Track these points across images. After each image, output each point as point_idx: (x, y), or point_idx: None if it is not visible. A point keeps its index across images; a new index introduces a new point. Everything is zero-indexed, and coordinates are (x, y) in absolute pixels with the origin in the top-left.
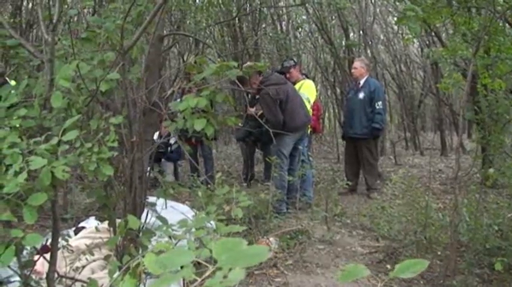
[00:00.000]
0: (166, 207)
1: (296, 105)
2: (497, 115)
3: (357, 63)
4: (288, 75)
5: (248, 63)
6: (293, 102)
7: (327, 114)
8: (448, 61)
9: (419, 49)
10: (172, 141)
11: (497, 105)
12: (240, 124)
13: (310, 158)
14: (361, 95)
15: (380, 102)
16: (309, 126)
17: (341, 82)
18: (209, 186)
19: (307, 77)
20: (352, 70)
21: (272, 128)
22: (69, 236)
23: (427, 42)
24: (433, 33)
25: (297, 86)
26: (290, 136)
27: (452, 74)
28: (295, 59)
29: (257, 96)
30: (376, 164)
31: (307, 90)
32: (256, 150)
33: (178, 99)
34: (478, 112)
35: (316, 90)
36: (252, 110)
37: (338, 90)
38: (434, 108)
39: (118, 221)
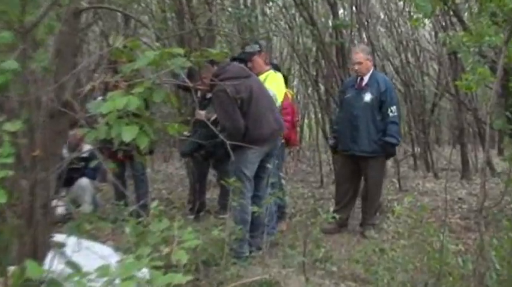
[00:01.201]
0: (80, 249)
1: (263, 108)
2: None
3: (359, 55)
4: (249, 65)
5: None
6: (259, 103)
7: (306, 120)
8: (472, 50)
9: (433, 33)
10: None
11: None
12: (186, 133)
13: (283, 181)
14: (367, 97)
15: (394, 108)
16: (281, 136)
17: (326, 77)
18: (141, 219)
19: (278, 69)
20: (355, 66)
21: (230, 139)
22: None
23: (443, 25)
24: (451, 13)
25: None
26: (255, 150)
27: (477, 68)
28: (261, 44)
29: (209, 95)
30: (381, 191)
31: (273, 86)
32: (209, 169)
33: (100, 98)
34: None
35: (292, 88)
36: (202, 114)
37: (322, 88)
38: (452, 113)
39: (11, 268)
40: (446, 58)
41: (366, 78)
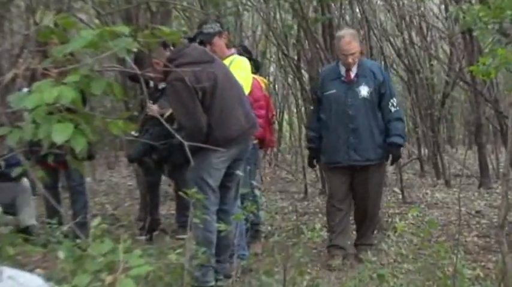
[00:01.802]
0: (0, 279)
1: (231, 101)
2: None
3: (354, 45)
4: (208, 49)
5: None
6: (226, 94)
7: (285, 115)
8: (490, 27)
9: (443, 7)
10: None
11: None
12: (134, 133)
13: (257, 192)
14: (364, 91)
15: (396, 100)
16: (254, 136)
17: (310, 61)
18: (79, 241)
19: (248, 52)
20: (349, 59)
21: (189, 140)
22: None
23: None
24: None
25: None
26: (220, 154)
27: (497, 50)
28: (222, 23)
29: (163, 85)
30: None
31: (239, 74)
32: (163, 178)
33: (26, 90)
34: None
35: (267, 76)
36: (154, 109)
37: (306, 76)
38: (467, 106)
39: None
40: (459, 37)
41: (355, 68)
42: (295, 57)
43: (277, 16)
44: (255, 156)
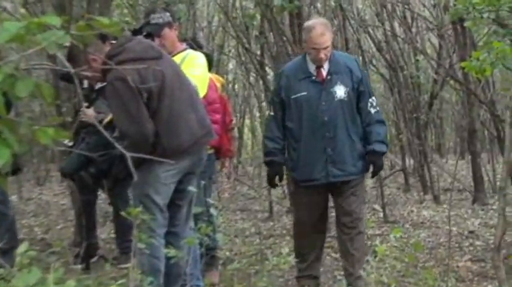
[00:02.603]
0: None
1: (182, 104)
2: None
3: (327, 37)
4: (157, 42)
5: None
6: (176, 97)
7: (247, 120)
8: (485, 17)
9: None
10: None
11: None
12: (67, 143)
13: (213, 211)
14: (340, 92)
15: (375, 99)
16: (209, 145)
17: (276, 57)
18: (2, 271)
19: (200, 47)
20: (321, 54)
21: (132, 151)
22: None
23: None
24: None
25: None
26: (170, 167)
27: (493, 43)
28: (173, 12)
29: (99, 85)
30: None
31: (192, 72)
32: (102, 195)
33: None
34: None
35: (225, 74)
36: (90, 113)
37: (271, 74)
38: (459, 109)
39: None
40: (449, 29)
41: (326, 64)
42: (258, 52)
43: (237, 4)
44: (210, 169)
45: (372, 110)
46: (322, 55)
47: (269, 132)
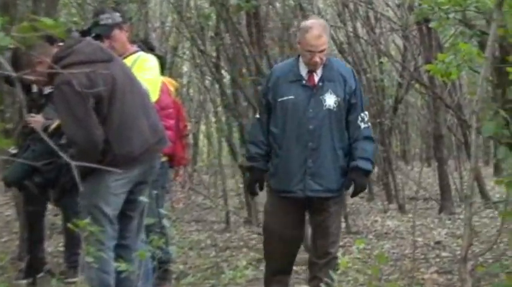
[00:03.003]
0: None
1: (134, 109)
2: None
3: (324, 39)
4: (107, 44)
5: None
6: (127, 102)
7: (202, 126)
8: (451, 17)
9: None
10: None
11: None
12: (11, 150)
13: (166, 222)
14: (330, 100)
15: (366, 114)
16: (162, 153)
17: (232, 60)
18: None
19: (151, 49)
20: (316, 57)
21: (81, 159)
22: None
23: None
24: None
25: None
26: (120, 176)
27: (459, 45)
28: (123, 12)
29: (47, 89)
30: None
31: (144, 76)
32: (48, 206)
33: None
34: (510, 122)
35: (179, 78)
36: (36, 119)
37: (227, 77)
38: (425, 114)
39: None
40: (414, 30)
41: (320, 69)
42: (214, 54)
43: (191, 3)
44: (163, 177)
45: (362, 125)
46: (317, 59)
47: (253, 136)
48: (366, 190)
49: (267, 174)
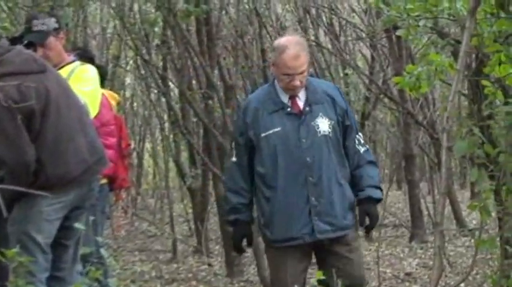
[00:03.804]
0: None
1: (69, 126)
2: None
3: (303, 59)
4: (41, 53)
5: None
6: (62, 117)
7: (147, 144)
8: (422, 25)
9: None
10: None
11: None
12: None
13: (104, 252)
14: (323, 125)
15: (361, 135)
16: (102, 174)
17: (180, 71)
18: None
19: (91, 59)
20: (296, 81)
21: (10, 182)
22: None
23: None
24: None
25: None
26: (54, 200)
27: (429, 55)
28: (59, 17)
29: None
30: None
31: (81, 88)
32: None
33: None
34: (485, 141)
35: (122, 91)
36: None
37: (176, 90)
38: (395, 131)
39: None
40: (383, 38)
41: (302, 92)
42: (160, 65)
43: (135, 7)
44: (103, 202)
45: (361, 149)
46: (296, 82)
47: (231, 183)
48: None
49: (258, 226)
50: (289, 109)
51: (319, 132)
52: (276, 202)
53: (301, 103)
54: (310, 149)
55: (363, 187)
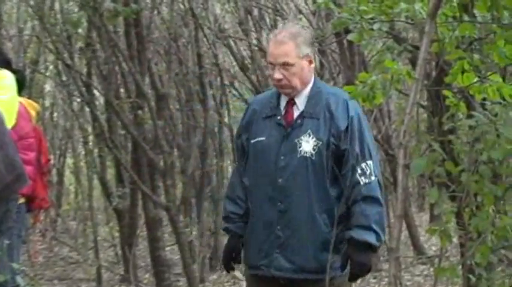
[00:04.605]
0: None
1: None
2: (494, 165)
3: (287, 47)
4: None
5: None
6: None
7: (68, 159)
8: (376, 28)
9: None
10: None
11: (490, 141)
12: None
13: (20, 280)
14: (306, 146)
15: (371, 165)
16: (18, 193)
17: (107, 78)
18: None
19: (8, 64)
20: (276, 74)
21: None
22: None
23: None
24: None
25: None
26: None
27: (384, 62)
28: None
29: None
30: None
31: None
32: None
33: None
34: (446, 158)
35: (41, 99)
36: None
37: (100, 99)
38: None
39: None
40: (333, 43)
41: (302, 99)
42: (84, 71)
43: (56, 6)
44: (19, 224)
45: (362, 181)
46: (277, 74)
47: (230, 189)
48: None
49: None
50: (279, 117)
51: (300, 152)
52: (252, 220)
53: (296, 113)
54: (285, 170)
55: (351, 226)
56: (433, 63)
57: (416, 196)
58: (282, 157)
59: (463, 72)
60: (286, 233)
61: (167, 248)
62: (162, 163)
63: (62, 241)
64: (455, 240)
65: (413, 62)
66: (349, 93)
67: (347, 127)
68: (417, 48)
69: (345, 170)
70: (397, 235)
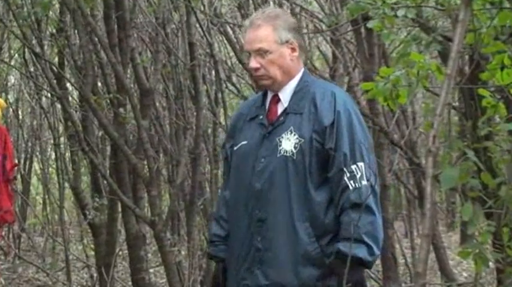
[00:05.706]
0: None
1: None
2: None
3: (263, 32)
4: None
5: None
6: None
7: (36, 164)
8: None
9: None
10: None
11: None
12: None
13: None
14: (286, 144)
15: (363, 167)
16: None
17: (83, 69)
18: None
19: None
20: (253, 62)
21: None
22: None
23: None
24: None
25: None
26: None
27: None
28: None
29: None
30: None
31: None
32: None
33: None
34: (482, 168)
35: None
36: None
37: (74, 93)
38: None
39: None
40: (349, 31)
41: (286, 94)
42: (55, 60)
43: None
44: None
45: (351, 185)
46: (253, 63)
47: (216, 208)
48: None
49: None
50: (261, 117)
51: (279, 151)
52: (231, 238)
53: (279, 109)
54: (263, 173)
55: (339, 238)
56: (467, 57)
57: (445, 212)
58: (262, 160)
59: (502, 68)
60: (265, 245)
61: (151, 270)
62: (146, 170)
63: (27, 260)
64: (491, 264)
65: (443, 56)
66: (368, 91)
67: (332, 123)
68: (449, 39)
69: (332, 173)
70: (424, 257)
